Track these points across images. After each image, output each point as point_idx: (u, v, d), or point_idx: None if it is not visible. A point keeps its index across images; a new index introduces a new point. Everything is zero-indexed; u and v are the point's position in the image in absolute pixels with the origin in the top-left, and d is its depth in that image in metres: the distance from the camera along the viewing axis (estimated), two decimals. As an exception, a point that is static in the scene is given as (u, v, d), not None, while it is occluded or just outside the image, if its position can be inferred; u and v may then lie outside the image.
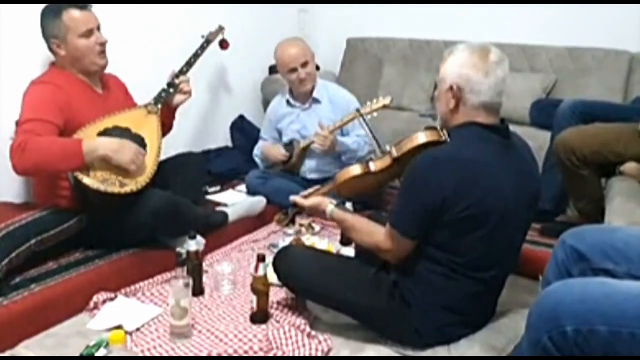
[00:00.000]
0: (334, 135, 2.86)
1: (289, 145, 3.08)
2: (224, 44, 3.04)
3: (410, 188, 1.73)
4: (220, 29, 3.00)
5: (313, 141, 2.91)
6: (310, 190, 2.16)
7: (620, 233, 1.52)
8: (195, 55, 2.69)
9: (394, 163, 1.90)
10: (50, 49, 2.27)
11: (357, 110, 2.58)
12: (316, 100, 3.07)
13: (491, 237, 1.69)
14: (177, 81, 2.52)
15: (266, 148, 3.16)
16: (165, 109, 2.50)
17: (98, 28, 2.30)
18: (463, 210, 1.64)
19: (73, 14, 2.22)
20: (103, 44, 2.30)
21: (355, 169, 1.99)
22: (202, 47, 2.78)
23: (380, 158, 1.97)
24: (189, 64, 2.63)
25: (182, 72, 2.58)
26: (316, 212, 2.11)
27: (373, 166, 1.96)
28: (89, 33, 2.25)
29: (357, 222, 1.92)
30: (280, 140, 3.19)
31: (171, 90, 2.51)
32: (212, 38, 2.91)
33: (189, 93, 2.55)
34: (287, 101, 3.13)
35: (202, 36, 2.87)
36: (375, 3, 4.03)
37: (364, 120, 2.42)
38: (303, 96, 3.09)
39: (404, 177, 1.76)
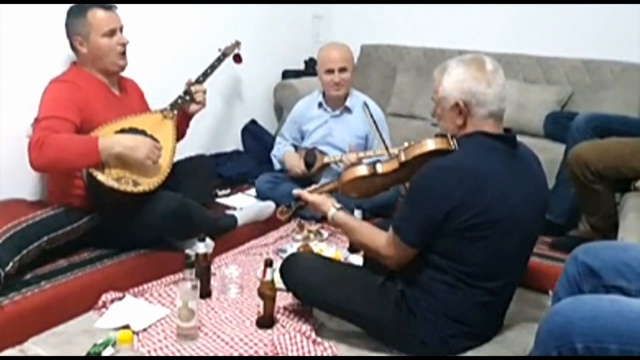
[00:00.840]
0: (361, 161, 2.85)
1: (310, 152, 3.07)
2: (237, 59, 3.06)
3: (416, 196, 1.73)
4: (237, 43, 3.04)
5: (338, 161, 2.92)
6: (315, 185, 2.16)
7: (634, 250, 1.50)
8: (212, 67, 2.73)
9: (401, 167, 1.89)
10: (73, 47, 2.31)
11: (387, 148, 2.45)
12: (348, 110, 3.08)
13: (497, 246, 1.68)
14: (193, 89, 2.54)
15: (289, 156, 3.13)
16: (181, 115, 2.53)
17: (121, 29, 2.34)
18: (468, 219, 1.64)
19: (98, 14, 2.26)
20: (124, 45, 2.34)
21: (362, 169, 1.98)
22: (219, 60, 2.81)
23: (388, 161, 1.97)
24: (205, 74, 2.67)
25: (199, 81, 2.61)
26: (318, 210, 2.08)
27: (380, 168, 1.95)
28: (111, 33, 2.29)
29: (359, 226, 1.92)
30: (300, 141, 3.18)
31: (187, 97, 2.54)
32: (229, 52, 2.94)
33: (202, 103, 2.58)
34: (320, 104, 3.14)
35: (219, 49, 2.90)
36: (389, 3, 4.03)
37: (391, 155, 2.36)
38: (335, 102, 3.09)
39: (410, 186, 1.76)
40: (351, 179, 1.99)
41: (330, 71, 2.99)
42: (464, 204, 1.63)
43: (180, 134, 2.58)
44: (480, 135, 1.71)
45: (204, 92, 2.58)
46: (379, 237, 1.81)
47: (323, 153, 3.04)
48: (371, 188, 2.05)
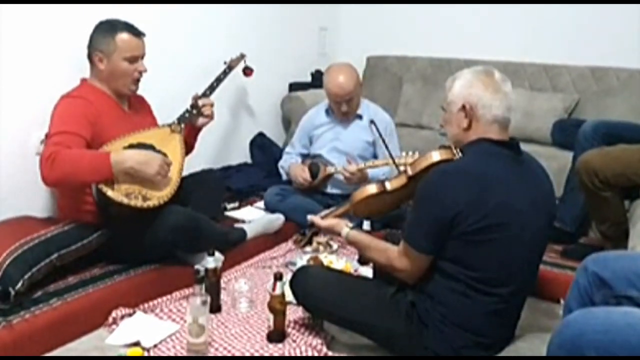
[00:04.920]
0: (363, 172, 2.86)
1: (315, 163, 3.07)
2: (247, 71, 3.10)
3: (422, 203, 1.73)
4: (242, 56, 3.07)
5: (339, 172, 2.92)
6: (327, 211, 2.18)
7: (644, 260, 1.49)
8: (218, 80, 2.76)
9: (410, 182, 1.91)
10: (91, 60, 2.33)
11: (393, 161, 2.48)
12: (357, 116, 3.08)
13: (504, 251, 1.68)
14: (200, 103, 2.56)
15: (293, 166, 3.15)
16: (189, 129, 2.55)
17: (142, 57, 2.37)
18: (474, 222, 1.64)
19: (126, 37, 2.30)
20: (141, 73, 2.38)
21: (371, 188, 2.00)
22: (225, 73, 2.84)
23: (396, 177, 1.98)
24: (212, 87, 2.70)
25: (205, 95, 2.63)
26: (332, 233, 2.12)
27: (389, 185, 1.96)
28: (133, 59, 2.33)
29: (372, 243, 1.92)
30: (310, 148, 3.19)
31: (194, 111, 2.56)
32: (234, 65, 2.97)
33: (210, 116, 2.60)
34: (327, 110, 3.15)
35: (225, 62, 2.93)
36: (394, 3, 4.05)
37: (397, 166, 2.38)
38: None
39: (416, 193, 1.77)
40: (362, 199, 2.01)
41: (337, 102, 3.00)
42: (469, 208, 1.63)
43: (188, 148, 2.60)
44: (484, 142, 1.73)
45: (212, 105, 2.61)
46: (391, 251, 1.82)
47: (327, 163, 3.05)
48: (383, 206, 2.07)
